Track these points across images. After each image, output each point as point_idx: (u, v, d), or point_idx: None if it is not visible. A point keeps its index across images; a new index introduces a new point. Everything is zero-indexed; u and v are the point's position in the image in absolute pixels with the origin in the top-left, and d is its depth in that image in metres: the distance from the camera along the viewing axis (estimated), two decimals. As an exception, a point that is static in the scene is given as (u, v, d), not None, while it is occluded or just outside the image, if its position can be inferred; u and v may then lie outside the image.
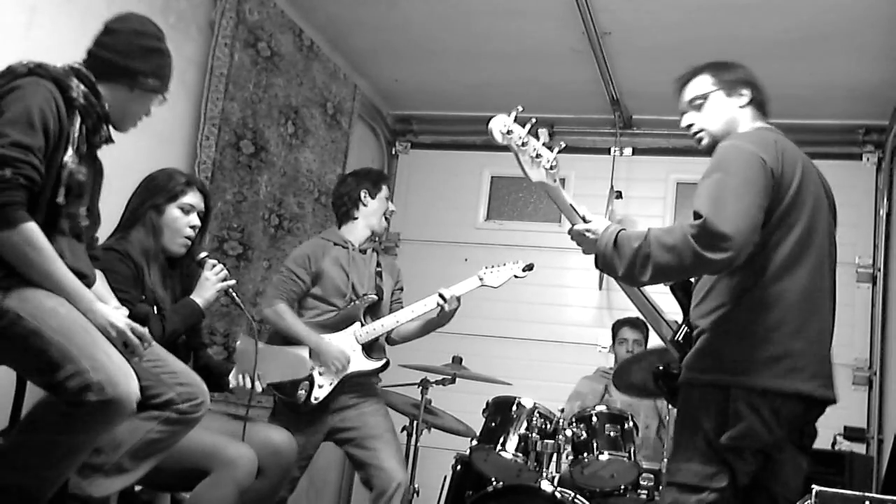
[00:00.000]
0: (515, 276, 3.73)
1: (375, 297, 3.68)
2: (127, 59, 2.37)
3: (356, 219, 3.75)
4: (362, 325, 3.60)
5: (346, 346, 3.55)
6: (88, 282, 2.32)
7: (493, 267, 3.72)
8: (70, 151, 2.20)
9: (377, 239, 3.86)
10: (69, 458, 2.14)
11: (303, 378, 3.45)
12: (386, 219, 3.80)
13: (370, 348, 3.62)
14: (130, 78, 2.37)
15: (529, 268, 3.75)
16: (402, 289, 3.89)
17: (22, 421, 2.20)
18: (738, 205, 2.13)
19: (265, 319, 3.63)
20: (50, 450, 2.10)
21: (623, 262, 2.20)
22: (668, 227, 2.22)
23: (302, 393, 3.46)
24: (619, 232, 2.25)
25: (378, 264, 3.79)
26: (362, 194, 3.73)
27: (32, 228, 2.11)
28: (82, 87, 2.26)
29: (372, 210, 3.75)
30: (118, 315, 2.26)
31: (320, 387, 3.49)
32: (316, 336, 3.53)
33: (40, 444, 2.10)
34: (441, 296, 3.57)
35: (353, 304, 3.63)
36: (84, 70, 2.31)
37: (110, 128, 2.39)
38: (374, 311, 3.69)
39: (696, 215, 2.14)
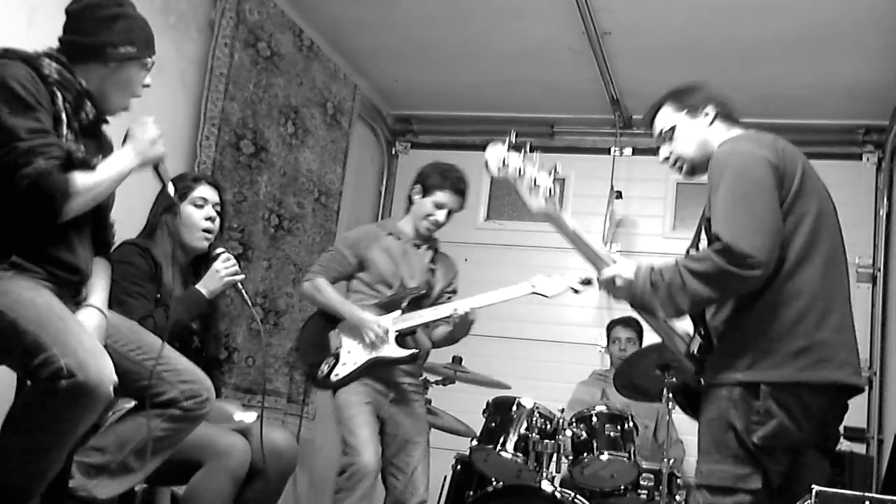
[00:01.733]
0: (573, 290, 3.58)
1: (423, 291, 3.56)
2: (90, 35, 2.29)
3: (408, 212, 3.68)
4: (402, 313, 3.49)
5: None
6: (82, 277, 2.32)
7: (547, 276, 3.58)
8: (63, 129, 2.18)
9: (422, 239, 3.66)
10: (53, 449, 2.12)
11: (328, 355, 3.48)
12: (432, 224, 3.59)
13: (405, 340, 3.49)
14: (99, 53, 2.28)
15: (588, 282, 3.51)
16: (455, 291, 3.73)
17: (5, 419, 2.18)
18: (753, 218, 2.15)
19: (302, 294, 3.60)
20: (33, 443, 2.09)
21: (662, 302, 2.22)
22: (695, 256, 2.23)
23: (324, 368, 3.45)
24: (650, 273, 2.24)
25: (433, 261, 3.67)
26: (413, 190, 3.66)
27: (77, 179, 2.14)
28: (54, 64, 2.21)
29: (416, 209, 3.62)
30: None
31: (344, 364, 3.45)
32: (351, 307, 3.48)
33: (23, 439, 2.09)
34: (455, 309, 3.44)
35: (396, 294, 3.53)
36: (54, 53, 2.26)
37: (98, 108, 2.33)
38: (418, 306, 3.55)
39: (717, 238, 2.15)
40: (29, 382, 2.17)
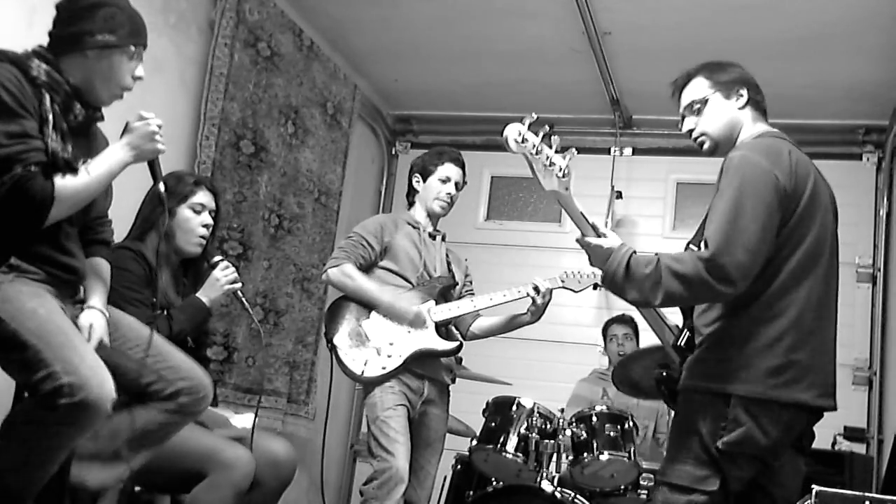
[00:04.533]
0: (596, 286, 3.54)
1: (452, 281, 3.49)
2: (70, 25, 2.27)
3: (415, 203, 3.58)
4: (437, 304, 3.39)
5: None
6: (79, 276, 2.31)
7: (577, 272, 3.55)
8: (49, 130, 2.15)
9: (435, 224, 3.59)
10: (49, 458, 2.13)
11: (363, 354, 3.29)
12: (445, 203, 3.52)
13: (441, 331, 3.38)
14: (78, 41, 2.25)
15: None
16: (471, 281, 3.69)
17: (2, 423, 2.18)
18: (745, 237, 2.15)
19: (329, 281, 3.39)
20: (28, 452, 2.09)
21: (633, 287, 2.24)
22: (677, 255, 2.24)
23: (364, 361, 3.25)
24: (630, 256, 2.26)
25: (447, 254, 3.60)
26: (414, 180, 3.57)
27: (60, 183, 2.12)
28: (43, 65, 2.20)
29: (423, 195, 3.53)
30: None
31: (389, 356, 3.26)
32: (389, 293, 3.32)
33: (19, 447, 2.10)
34: (535, 287, 3.35)
35: (427, 283, 3.42)
36: (42, 51, 2.26)
37: (90, 106, 2.31)
38: (446, 297, 3.48)
39: (706, 244, 2.16)
40: (27, 394, 2.16)
